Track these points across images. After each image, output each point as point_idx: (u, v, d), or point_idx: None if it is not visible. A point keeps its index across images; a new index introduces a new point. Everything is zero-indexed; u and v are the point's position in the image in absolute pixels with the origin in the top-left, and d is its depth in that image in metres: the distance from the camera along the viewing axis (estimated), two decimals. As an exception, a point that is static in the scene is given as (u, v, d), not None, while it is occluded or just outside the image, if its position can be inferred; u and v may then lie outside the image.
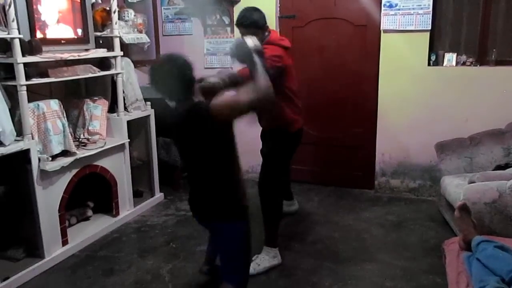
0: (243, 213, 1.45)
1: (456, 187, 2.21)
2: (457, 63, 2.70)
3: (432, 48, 2.74)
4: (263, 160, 2.11)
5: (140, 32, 2.82)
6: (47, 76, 2.10)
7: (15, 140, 1.94)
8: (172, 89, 1.39)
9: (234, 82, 1.66)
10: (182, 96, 1.40)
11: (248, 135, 2.47)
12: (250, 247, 1.50)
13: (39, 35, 2.05)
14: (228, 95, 1.32)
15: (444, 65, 2.73)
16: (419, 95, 2.77)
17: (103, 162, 2.42)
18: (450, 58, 2.71)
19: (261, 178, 2.09)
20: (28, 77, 1.96)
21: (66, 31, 2.24)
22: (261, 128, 2.24)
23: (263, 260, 2.04)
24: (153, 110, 2.82)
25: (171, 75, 1.36)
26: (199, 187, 1.45)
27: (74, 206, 2.43)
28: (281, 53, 1.91)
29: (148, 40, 2.88)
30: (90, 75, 2.34)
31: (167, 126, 1.49)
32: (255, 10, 1.94)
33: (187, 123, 1.35)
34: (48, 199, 2.08)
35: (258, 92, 1.26)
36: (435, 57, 2.74)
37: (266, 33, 1.96)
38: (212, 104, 1.30)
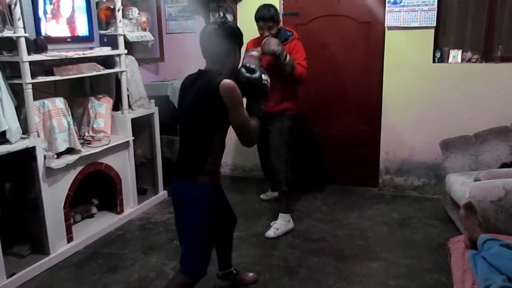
0: (213, 186, 1.48)
1: (461, 185, 2.19)
2: (462, 60, 2.68)
3: (437, 45, 2.72)
4: (273, 138, 2.35)
5: (144, 30, 2.83)
6: (52, 74, 2.11)
7: (21, 137, 1.95)
8: (219, 48, 1.45)
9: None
10: (220, 60, 1.47)
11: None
12: (208, 232, 1.47)
13: (44, 33, 2.06)
14: (241, 103, 1.42)
15: (449, 62, 2.71)
16: (424, 92, 2.75)
17: (108, 160, 2.43)
18: (455, 55, 2.69)
19: (274, 153, 2.35)
20: (33, 75, 1.97)
21: (71, 30, 2.24)
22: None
23: (281, 225, 2.35)
24: (157, 108, 2.83)
25: (228, 35, 1.46)
26: (187, 148, 1.50)
27: (78, 203, 2.45)
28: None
29: (152, 38, 2.89)
30: (95, 73, 2.35)
31: (188, 79, 1.53)
32: (271, 6, 2.31)
33: (204, 83, 1.42)
34: (53, 196, 2.10)
35: (255, 132, 1.48)
36: (440, 54, 2.72)
37: (280, 27, 2.36)
38: (224, 83, 1.38)
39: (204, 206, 1.44)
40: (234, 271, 1.87)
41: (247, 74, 1.48)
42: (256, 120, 1.48)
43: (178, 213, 1.51)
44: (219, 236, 1.68)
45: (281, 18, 2.99)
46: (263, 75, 1.49)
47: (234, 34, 1.49)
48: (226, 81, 1.38)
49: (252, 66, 1.52)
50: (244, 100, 1.47)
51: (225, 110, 1.39)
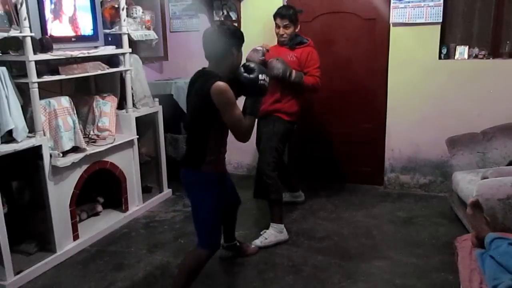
0: (216, 173, 1.62)
1: (469, 183, 2.16)
2: (469, 56, 2.65)
3: (443, 41, 2.69)
4: (264, 142, 2.28)
5: (148, 29, 2.84)
6: (58, 73, 2.13)
7: (27, 136, 1.97)
8: (215, 49, 1.55)
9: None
10: (217, 60, 1.57)
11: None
12: (215, 212, 1.62)
13: (49, 33, 2.07)
14: (234, 107, 1.50)
15: (455, 58, 2.68)
16: (430, 89, 2.72)
17: (113, 158, 2.45)
18: (461, 51, 2.65)
19: (262, 157, 2.26)
20: (39, 75, 1.99)
21: (76, 29, 2.26)
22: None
23: (270, 235, 2.21)
24: (161, 106, 2.84)
25: (224, 36, 1.54)
26: (190, 141, 1.66)
27: (84, 201, 2.47)
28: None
29: (156, 37, 2.89)
30: (100, 72, 2.36)
31: (194, 76, 1.63)
32: (291, 7, 2.34)
33: (200, 85, 1.53)
34: (59, 195, 2.12)
35: (247, 130, 1.56)
36: (446, 50, 2.69)
37: (297, 33, 2.34)
38: (214, 86, 1.46)
39: (209, 191, 1.61)
40: (238, 244, 2.10)
41: (245, 74, 1.55)
42: (250, 118, 1.57)
43: (189, 198, 1.70)
44: (225, 214, 1.88)
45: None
46: (260, 75, 1.54)
47: (230, 35, 1.56)
48: (217, 84, 1.46)
49: (252, 66, 1.57)
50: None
51: (217, 111, 1.49)
